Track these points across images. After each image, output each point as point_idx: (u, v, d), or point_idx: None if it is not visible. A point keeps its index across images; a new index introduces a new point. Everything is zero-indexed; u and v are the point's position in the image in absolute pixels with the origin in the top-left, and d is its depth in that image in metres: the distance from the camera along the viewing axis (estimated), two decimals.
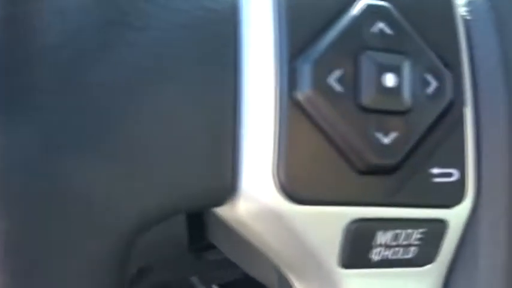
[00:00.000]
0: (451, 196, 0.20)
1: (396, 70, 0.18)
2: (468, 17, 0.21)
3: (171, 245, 0.38)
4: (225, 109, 0.18)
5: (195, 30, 0.17)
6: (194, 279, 0.40)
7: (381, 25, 0.18)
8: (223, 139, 0.18)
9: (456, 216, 0.20)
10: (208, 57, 0.18)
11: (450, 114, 0.19)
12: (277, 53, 0.18)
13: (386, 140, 0.18)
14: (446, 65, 0.20)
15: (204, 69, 0.17)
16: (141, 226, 0.17)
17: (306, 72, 0.18)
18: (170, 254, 0.39)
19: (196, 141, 0.17)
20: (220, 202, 0.19)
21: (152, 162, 0.17)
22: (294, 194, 0.18)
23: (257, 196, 0.18)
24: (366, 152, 0.18)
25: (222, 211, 0.19)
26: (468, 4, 0.21)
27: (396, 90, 0.18)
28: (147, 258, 0.37)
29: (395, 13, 0.19)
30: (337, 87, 0.18)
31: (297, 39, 0.18)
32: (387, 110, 0.18)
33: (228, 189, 0.18)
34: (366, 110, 0.18)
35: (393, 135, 0.18)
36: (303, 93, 0.18)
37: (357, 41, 0.18)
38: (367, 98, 0.18)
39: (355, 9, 0.18)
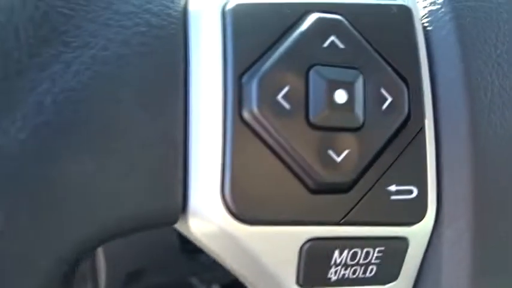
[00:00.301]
0: (410, 213, 0.19)
1: (348, 86, 0.18)
2: (429, 28, 0.20)
3: (161, 248, 0.37)
4: (174, 126, 0.17)
5: (140, 48, 0.17)
6: (194, 280, 0.40)
7: (332, 39, 0.18)
8: (172, 157, 0.17)
9: (417, 233, 0.20)
10: (155, 75, 0.17)
11: (407, 129, 0.19)
12: (224, 69, 0.17)
13: (338, 158, 0.18)
14: (403, 78, 0.19)
15: (151, 88, 0.17)
16: (80, 253, 0.16)
17: (252, 89, 0.17)
18: (161, 256, 0.39)
19: (144, 159, 0.17)
20: (171, 221, 0.18)
21: (90, 188, 0.16)
22: (243, 214, 0.17)
23: (207, 216, 0.18)
24: (318, 170, 0.18)
25: (180, 227, 0.19)
26: (429, 14, 0.20)
27: (348, 107, 0.18)
28: (137, 262, 0.37)
29: (347, 26, 0.18)
30: (286, 105, 0.17)
31: (244, 56, 0.17)
32: (339, 127, 0.18)
33: (178, 208, 0.18)
34: (316, 127, 0.18)
35: (346, 152, 0.18)
36: (250, 110, 0.17)
37: (306, 56, 0.18)
38: (317, 115, 0.17)
39: (305, 24, 0.18)
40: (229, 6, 0.18)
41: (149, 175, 0.17)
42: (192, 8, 0.18)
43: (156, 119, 0.17)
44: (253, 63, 0.17)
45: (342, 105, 0.18)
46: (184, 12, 0.18)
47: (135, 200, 0.17)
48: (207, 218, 0.18)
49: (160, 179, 0.17)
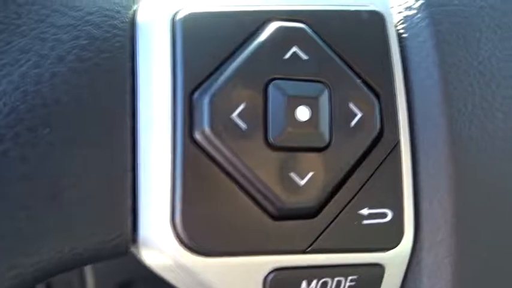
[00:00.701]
0: (385, 238, 0.17)
1: (311, 101, 0.16)
2: (404, 34, 0.19)
3: None
4: (120, 150, 0.16)
5: (79, 64, 0.15)
6: None
7: (294, 50, 0.16)
8: (120, 184, 0.16)
9: (393, 259, 0.18)
10: (97, 95, 0.16)
11: (380, 146, 0.17)
12: (173, 86, 0.16)
13: (302, 181, 0.16)
14: (374, 91, 0.17)
15: (92, 109, 0.15)
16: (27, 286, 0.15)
17: (204, 107, 0.15)
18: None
19: (89, 187, 0.15)
20: (121, 251, 0.17)
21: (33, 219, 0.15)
22: (197, 245, 0.16)
23: (158, 247, 0.16)
24: (279, 195, 0.16)
25: (136, 254, 0.17)
26: (404, 20, 0.19)
27: (311, 124, 0.16)
28: (125, 273, 0.36)
29: (311, 35, 0.17)
30: (241, 124, 0.16)
31: (195, 71, 0.16)
32: (302, 147, 0.16)
33: (128, 238, 0.16)
34: (276, 148, 0.16)
35: (310, 175, 0.16)
36: (202, 131, 0.16)
37: (264, 70, 0.16)
38: (277, 134, 0.16)
39: (264, 34, 0.16)
40: (179, 16, 0.16)
41: (96, 204, 0.15)
42: (140, 18, 0.17)
43: (99, 144, 0.15)
44: (206, 79, 0.16)
45: (305, 123, 0.16)
46: (132, 22, 0.17)
47: (81, 232, 0.16)
48: (158, 249, 0.16)
49: (108, 208, 0.16)
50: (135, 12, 0.17)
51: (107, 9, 0.16)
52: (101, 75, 0.16)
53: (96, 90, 0.15)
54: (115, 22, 0.16)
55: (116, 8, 0.16)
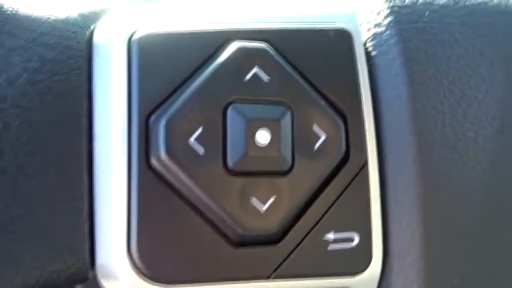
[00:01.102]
0: (353, 263, 0.17)
1: (272, 124, 0.16)
2: (373, 53, 0.18)
3: None
4: (77, 176, 0.15)
5: (29, 87, 0.15)
6: None
7: (255, 71, 0.16)
8: (77, 210, 0.15)
9: (362, 284, 0.17)
10: (50, 119, 0.15)
11: (347, 168, 0.17)
12: (129, 109, 0.15)
13: (263, 207, 0.16)
14: (340, 111, 0.17)
15: (45, 134, 0.15)
16: None
17: (160, 132, 0.15)
18: None
19: (46, 215, 0.15)
20: (81, 278, 0.16)
21: None
22: (154, 273, 0.15)
23: (115, 275, 0.15)
24: (240, 222, 0.16)
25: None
26: (373, 37, 0.18)
27: (272, 148, 0.16)
28: None
29: (274, 56, 0.16)
30: (199, 149, 0.15)
31: (151, 93, 0.15)
32: (263, 172, 0.16)
33: (87, 265, 0.16)
34: (235, 173, 0.15)
35: (272, 200, 0.16)
36: (158, 156, 0.15)
37: (223, 92, 0.16)
38: (237, 159, 0.15)
39: (224, 55, 0.16)
40: (136, 36, 0.16)
41: (50, 232, 0.15)
42: (97, 39, 0.16)
43: (53, 169, 0.15)
44: (162, 102, 0.15)
45: (265, 146, 0.15)
46: (90, 43, 0.16)
47: (33, 261, 0.15)
48: (116, 277, 0.15)
49: (63, 235, 0.15)
50: (92, 32, 0.16)
51: (62, 30, 0.16)
52: (54, 99, 0.15)
53: (49, 113, 0.15)
54: (70, 43, 0.16)
55: (72, 28, 0.16)
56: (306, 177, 0.16)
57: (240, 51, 0.16)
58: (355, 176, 0.17)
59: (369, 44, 0.18)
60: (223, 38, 0.16)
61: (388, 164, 0.17)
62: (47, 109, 0.15)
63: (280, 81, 0.16)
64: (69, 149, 0.15)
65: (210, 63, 0.16)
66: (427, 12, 0.18)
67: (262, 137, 0.15)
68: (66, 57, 0.15)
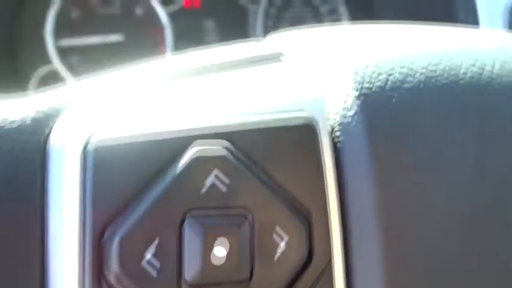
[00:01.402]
0: None
1: (229, 234, 0.15)
2: (339, 145, 0.18)
3: None
4: None
5: None
6: None
7: (212, 181, 0.15)
8: None
9: None
10: (9, 234, 0.15)
11: (309, 271, 0.16)
12: (82, 227, 0.15)
13: None
14: (304, 211, 0.16)
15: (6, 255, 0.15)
16: None
17: (113, 250, 0.15)
18: None
19: None
20: None
21: None
22: None
23: None
24: None
25: None
26: (340, 128, 0.18)
27: (230, 259, 0.15)
28: None
29: (233, 161, 0.16)
30: (155, 265, 0.15)
31: (104, 209, 0.15)
32: (221, 282, 0.15)
33: None
34: (192, 286, 0.15)
35: None
36: (112, 275, 0.15)
37: (179, 204, 0.15)
38: (193, 273, 0.15)
39: (180, 165, 0.15)
40: (91, 145, 0.15)
41: None
42: (53, 143, 0.16)
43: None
44: (115, 218, 0.15)
45: (223, 258, 0.15)
46: (45, 148, 0.16)
47: None
48: None
49: None
50: (47, 138, 0.16)
51: (14, 140, 0.15)
52: (6, 213, 0.15)
53: (1, 230, 0.15)
54: (24, 152, 0.15)
55: (25, 137, 0.15)
56: (267, 284, 0.16)
57: (197, 160, 0.15)
58: (319, 277, 0.17)
59: (336, 132, 0.18)
60: (181, 145, 0.16)
61: (353, 263, 0.17)
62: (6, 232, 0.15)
63: (239, 187, 0.16)
64: (22, 265, 0.15)
65: (166, 174, 0.15)
66: (395, 99, 0.18)
67: (220, 249, 0.15)
68: (20, 165, 0.15)
